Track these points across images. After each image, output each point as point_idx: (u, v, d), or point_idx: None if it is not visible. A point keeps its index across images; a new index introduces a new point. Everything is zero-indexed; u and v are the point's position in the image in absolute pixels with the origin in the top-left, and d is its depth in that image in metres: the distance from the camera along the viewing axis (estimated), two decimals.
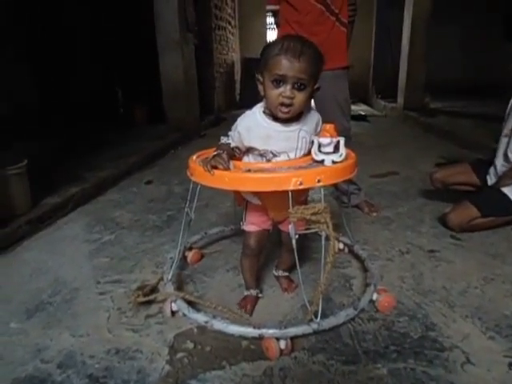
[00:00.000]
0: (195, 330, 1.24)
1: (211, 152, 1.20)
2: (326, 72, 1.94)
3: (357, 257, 1.64)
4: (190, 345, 1.18)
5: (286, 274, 1.48)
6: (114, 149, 3.50)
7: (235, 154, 1.22)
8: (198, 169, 1.14)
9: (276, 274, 1.50)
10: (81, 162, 3.04)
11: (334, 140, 1.09)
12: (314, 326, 1.14)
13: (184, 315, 1.27)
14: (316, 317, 1.15)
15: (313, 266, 1.58)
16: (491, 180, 1.97)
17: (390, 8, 6.61)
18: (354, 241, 1.64)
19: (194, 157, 1.28)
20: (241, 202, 1.35)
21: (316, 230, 1.07)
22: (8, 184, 1.95)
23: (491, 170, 1.98)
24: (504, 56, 6.86)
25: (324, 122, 1.63)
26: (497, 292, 1.41)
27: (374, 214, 2.14)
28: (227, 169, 1.09)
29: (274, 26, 2.21)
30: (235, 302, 1.37)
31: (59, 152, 3.32)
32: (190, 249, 1.70)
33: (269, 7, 2.09)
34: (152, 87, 4.71)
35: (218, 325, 1.18)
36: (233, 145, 1.20)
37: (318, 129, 1.20)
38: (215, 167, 1.09)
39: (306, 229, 1.12)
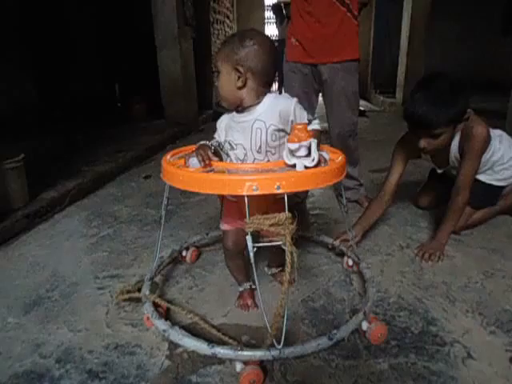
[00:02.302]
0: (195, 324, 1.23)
1: (187, 150, 1.23)
2: (335, 64, 1.95)
3: (360, 275, 1.47)
4: None
5: (280, 269, 1.45)
6: (112, 143, 3.47)
7: (216, 151, 1.17)
8: (163, 166, 1.14)
9: (269, 272, 1.49)
10: (79, 156, 3.02)
11: (304, 143, 0.96)
12: (275, 352, 1.00)
13: (148, 319, 1.21)
14: (279, 342, 1.00)
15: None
16: None
17: (389, 3, 6.58)
18: (356, 245, 1.55)
19: (168, 156, 1.25)
20: (222, 197, 1.30)
21: (280, 242, 0.95)
22: (5, 178, 1.93)
23: None
24: (502, 51, 6.87)
25: (330, 115, 1.54)
26: (497, 287, 1.41)
27: None
28: (206, 161, 1.08)
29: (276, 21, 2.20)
30: (234, 297, 1.36)
31: (57, 146, 3.29)
32: (187, 248, 1.66)
33: None
34: (150, 82, 4.68)
35: (174, 336, 1.09)
36: (217, 139, 1.21)
37: (290, 118, 1.08)
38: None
39: (270, 241, 0.99)
